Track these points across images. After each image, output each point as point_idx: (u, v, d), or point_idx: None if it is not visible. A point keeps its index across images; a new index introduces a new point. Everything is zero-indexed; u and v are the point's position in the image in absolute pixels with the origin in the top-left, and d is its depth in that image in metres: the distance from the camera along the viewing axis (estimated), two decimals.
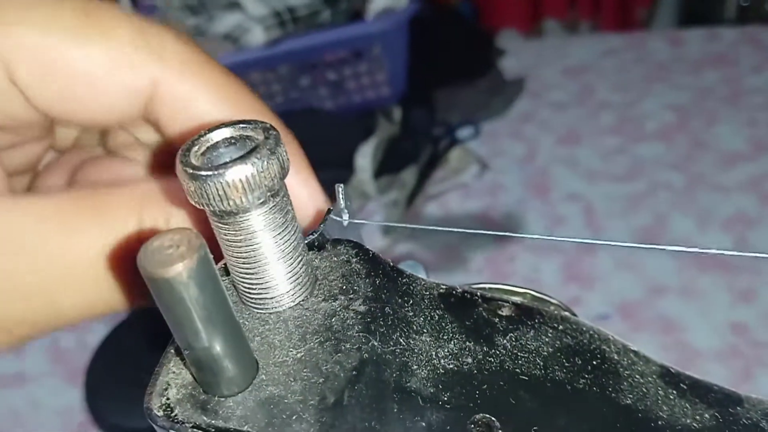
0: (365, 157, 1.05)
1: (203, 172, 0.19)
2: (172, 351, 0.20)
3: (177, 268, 0.17)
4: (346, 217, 0.26)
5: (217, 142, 0.20)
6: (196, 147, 0.20)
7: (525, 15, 1.73)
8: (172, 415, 0.19)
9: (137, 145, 0.29)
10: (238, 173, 0.19)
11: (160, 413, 0.19)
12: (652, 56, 1.24)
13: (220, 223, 0.20)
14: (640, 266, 0.92)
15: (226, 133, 0.20)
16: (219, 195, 0.19)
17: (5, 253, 0.22)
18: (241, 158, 0.19)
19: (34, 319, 0.23)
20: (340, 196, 0.25)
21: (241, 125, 0.20)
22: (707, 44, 1.23)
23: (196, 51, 0.25)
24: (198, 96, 0.24)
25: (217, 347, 0.18)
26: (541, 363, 0.21)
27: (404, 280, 0.23)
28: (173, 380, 0.20)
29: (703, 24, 1.33)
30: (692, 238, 0.93)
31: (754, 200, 0.96)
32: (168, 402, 0.19)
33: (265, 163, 0.19)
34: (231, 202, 0.19)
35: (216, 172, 0.18)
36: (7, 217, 0.22)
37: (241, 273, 0.21)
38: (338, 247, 0.23)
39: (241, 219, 0.20)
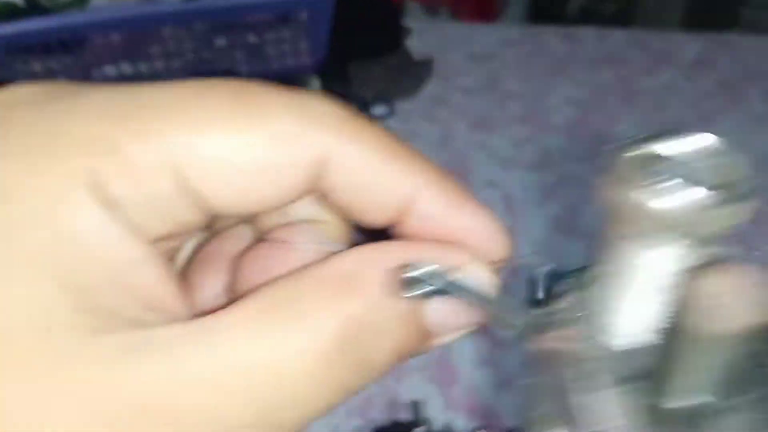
0: None
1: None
2: None
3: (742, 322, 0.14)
4: None
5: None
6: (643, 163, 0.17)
7: None
8: None
9: (292, 224, 0.26)
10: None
11: None
12: (550, 51, 1.29)
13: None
14: (555, 252, 0.96)
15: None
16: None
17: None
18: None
19: None
20: None
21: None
22: (599, 44, 1.30)
23: (356, 115, 0.24)
24: (371, 161, 0.23)
25: None
26: None
27: None
28: None
29: (550, 21, 1.41)
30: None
31: None
32: None
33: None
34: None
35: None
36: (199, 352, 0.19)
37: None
38: None
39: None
